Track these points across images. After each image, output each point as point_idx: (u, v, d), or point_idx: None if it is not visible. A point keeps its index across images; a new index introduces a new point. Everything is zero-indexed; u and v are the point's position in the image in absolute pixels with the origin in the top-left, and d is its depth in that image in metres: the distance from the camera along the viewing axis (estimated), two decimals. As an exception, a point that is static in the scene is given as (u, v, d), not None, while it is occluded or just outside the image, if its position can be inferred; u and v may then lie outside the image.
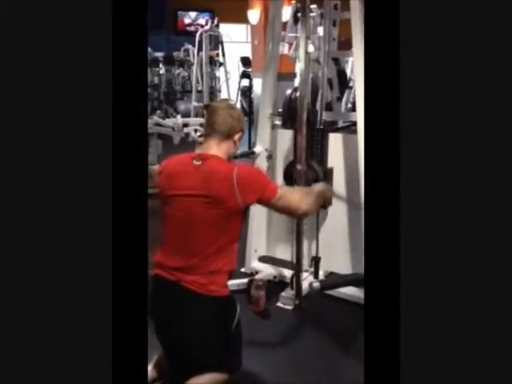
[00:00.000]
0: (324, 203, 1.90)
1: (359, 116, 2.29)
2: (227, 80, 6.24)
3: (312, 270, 2.51)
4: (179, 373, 1.62)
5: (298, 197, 1.67)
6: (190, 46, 7.41)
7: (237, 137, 1.66)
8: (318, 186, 1.90)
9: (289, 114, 2.45)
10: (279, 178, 2.65)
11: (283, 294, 2.49)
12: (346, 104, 3.81)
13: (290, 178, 2.44)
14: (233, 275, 1.68)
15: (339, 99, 2.99)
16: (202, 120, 4.51)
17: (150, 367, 1.75)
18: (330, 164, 2.52)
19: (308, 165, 2.37)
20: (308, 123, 2.31)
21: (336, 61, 2.86)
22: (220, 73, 6.74)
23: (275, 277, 2.70)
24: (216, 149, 1.61)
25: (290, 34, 2.86)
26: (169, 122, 4.33)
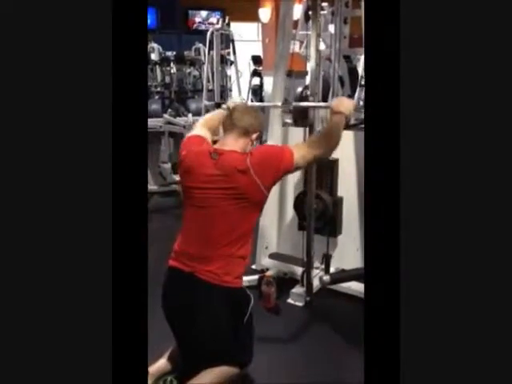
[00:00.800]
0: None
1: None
2: (238, 79, 6.24)
3: (323, 267, 2.52)
4: (191, 364, 1.64)
5: (315, 149, 1.65)
6: (200, 45, 7.42)
7: (254, 136, 1.69)
8: (334, 114, 1.75)
9: (300, 112, 2.45)
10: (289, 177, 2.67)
11: (294, 290, 2.50)
12: (358, 102, 3.79)
13: (301, 210, 2.47)
14: (246, 267, 1.69)
15: (350, 97, 2.98)
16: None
17: (163, 360, 1.77)
18: (339, 158, 2.50)
19: (317, 196, 2.39)
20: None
21: (347, 58, 2.86)
22: (231, 71, 6.75)
23: (286, 274, 2.71)
24: (233, 144, 1.64)
25: (301, 32, 2.86)
26: (180, 120, 4.35)
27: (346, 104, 1.77)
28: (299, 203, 2.50)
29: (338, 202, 2.50)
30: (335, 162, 2.47)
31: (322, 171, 2.43)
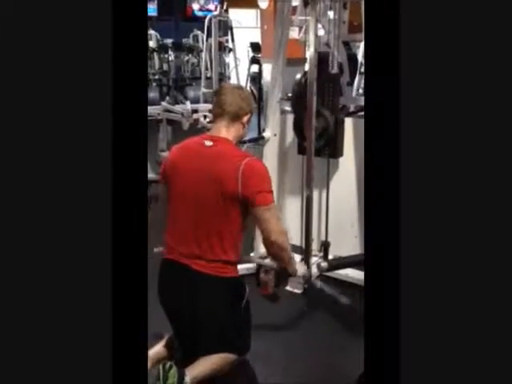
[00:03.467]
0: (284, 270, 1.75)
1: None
2: (237, 66, 6.19)
3: (321, 254, 2.52)
4: (188, 352, 1.65)
5: (281, 227, 1.60)
6: (199, 32, 7.36)
7: (245, 119, 1.66)
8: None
9: (298, 99, 2.43)
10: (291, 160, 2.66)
11: (292, 277, 2.50)
12: (358, 89, 3.77)
13: (300, 129, 2.33)
14: (238, 262, 1.69)
15: (349, 84, 2.96)
16: (210, 106, 4.49)
17: (161, 345, 1.78)
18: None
19: (318, 112, 2.25)
20: (319, 65, 2.17)
21: (347, 45, 2.83)
22: (229, 59, 6.69)
23: (284, 261, 2.71)
24: (225, 132, 1.62)
25: (300, 18, 2.83)
26: (178, 108, 4.32)
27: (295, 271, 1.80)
28: (299, 122, 2.36)
29: (339, 120, 2.37)
30: (337, 75, 2.33)
31: (324, 86, 2.27)
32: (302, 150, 2.43)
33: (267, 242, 1.60)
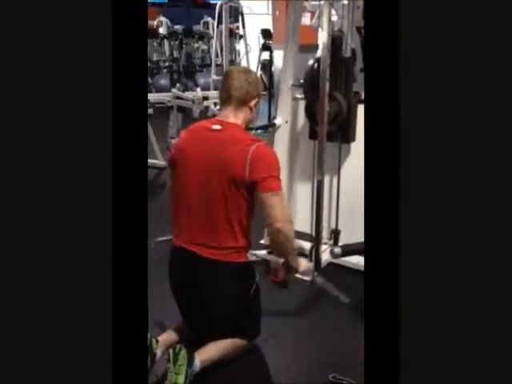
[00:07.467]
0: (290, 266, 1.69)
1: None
2: (247, 53, 6.15)
3: (331, 242, 2.52)
4: (199, 337, 1.66)
5: (287, 215, 1.57)
6: (209, 19, 7.32)
7: (253, 103, 1.65)
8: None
9: (310, 85, 2.40)
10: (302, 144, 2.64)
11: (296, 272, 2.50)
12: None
13: (312, 113, 2.28)
14: (248, 248, 1.69)
15: (362, 70, 2.91)
16: (221, 93, 4.47)
17: (172, 330, 1.79)
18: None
19: (331, 96, 2.20)
20: (333, 49, 2.14)
21: (360, 31, 2.78)
22: (240, 46, 6.66)
23: (294, 249, 2.71)
24: (233, 118, 1.62)
25: (313, 2, 2.79)
26: (188, 95, 4.31)
27: (302, 266, 1.76)
28: (311, 106, 2.31)
29: (352, 105, 2.33)
30: (350, 58, 2.29)
31: (337, 70, 2.22)
32: (313, 134, 2.40)
33: (272, 230, 1.54)
